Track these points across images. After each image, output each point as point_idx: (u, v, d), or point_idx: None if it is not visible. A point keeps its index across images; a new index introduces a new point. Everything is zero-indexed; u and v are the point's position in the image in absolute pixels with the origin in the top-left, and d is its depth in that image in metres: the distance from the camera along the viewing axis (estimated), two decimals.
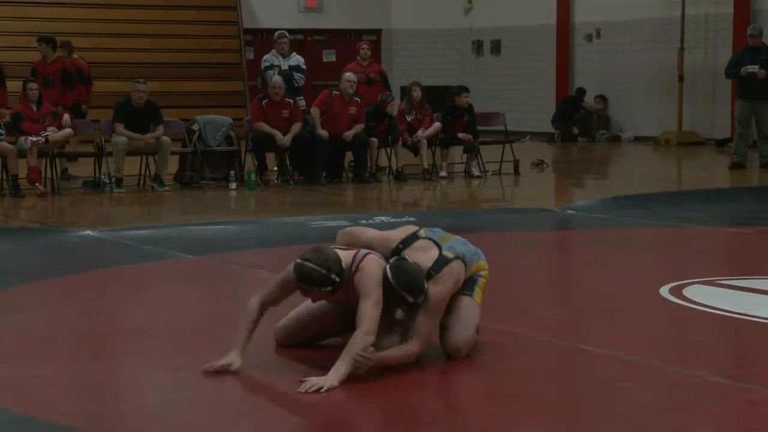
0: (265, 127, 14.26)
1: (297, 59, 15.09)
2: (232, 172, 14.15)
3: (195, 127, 14.50)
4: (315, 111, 14.53)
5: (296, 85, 14.80)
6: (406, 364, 5.59)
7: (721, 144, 19.84)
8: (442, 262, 5.73)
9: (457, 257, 5.80)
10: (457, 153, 15.80)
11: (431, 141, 15.26)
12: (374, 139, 14.68)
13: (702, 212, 11.85)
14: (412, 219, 10.00)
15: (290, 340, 6.00)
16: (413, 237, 5.85)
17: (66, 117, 13.95)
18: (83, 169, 14.36)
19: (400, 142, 14.89)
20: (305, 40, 23.61)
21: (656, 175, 16.11)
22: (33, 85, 13.72)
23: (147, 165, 14.05)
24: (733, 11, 20.13)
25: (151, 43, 21.71)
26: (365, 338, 5.40)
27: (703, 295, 7.41)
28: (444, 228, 6.06)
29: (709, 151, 19.61)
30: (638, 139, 21.71)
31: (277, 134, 14.22)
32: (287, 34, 15.43)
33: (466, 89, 15.73)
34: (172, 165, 14.26)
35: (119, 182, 13.67)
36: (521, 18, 23.58)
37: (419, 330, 5.64)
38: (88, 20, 21.38)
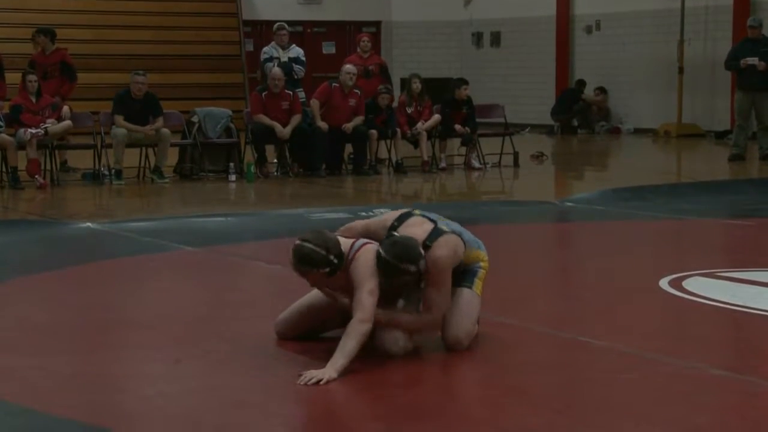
0: (264, 119, 14.24)
1: (297, 51, 15.08)
2: (232, 164, 14.14)
3: (195, 119, 14.49)
4: (314, 103, 14.51)
5: (296, 77, 14.77)
6: (427, 333, 5.74)
7: (720, 136, 19.82)
8: (437, 233, 5.71)
9: (453, 232, 5.79)
10: (455, 145, 15.79)
11: (431, 133, 15.25)
12: (374, 131, 14.66)
13: (702, 204, 11.86)
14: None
15: (291, 333, 6.00)
16: (408, 215, 5.88)
17: (66, 109, 13.95)
18: (83, 160, 14.35)
19: (399, 134, 14.87)
20: (305, 32, 23.59)
21: (656, 167, 16.12)
22: (32, 77, 13.70)
23: (147, 157, 14.04)
24: (732, 3, 20.10)
25: (151, 35, 21.68)
26: (360, 326, 5.41)
27: (703, 287, 7.41)
28: None
29: (709, 143, 19.61)
30: (638, 131, 21.71)
31: (277, 126, 14.20)
32: (287, 25, 15.40)
33: (465, 81, 15.70)
34: (172, 157, 14.26)
35: (119, 174, 13.66)
36: (521, 10, 23.55)
37: (433, 302, 5.64)
38: (87, 12, 21.35)
